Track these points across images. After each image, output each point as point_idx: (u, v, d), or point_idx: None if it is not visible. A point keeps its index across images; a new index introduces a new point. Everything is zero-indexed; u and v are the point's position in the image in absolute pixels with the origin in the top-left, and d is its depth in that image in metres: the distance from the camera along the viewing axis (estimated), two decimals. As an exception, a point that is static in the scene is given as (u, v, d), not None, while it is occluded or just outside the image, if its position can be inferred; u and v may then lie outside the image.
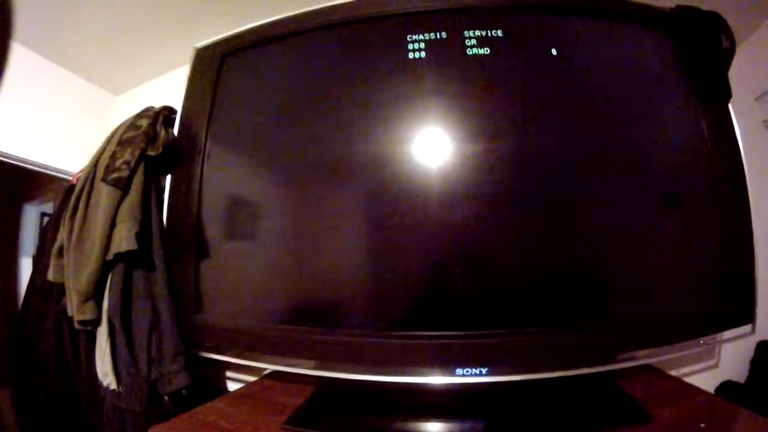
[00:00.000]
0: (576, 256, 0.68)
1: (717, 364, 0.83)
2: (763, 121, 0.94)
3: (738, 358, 0.82)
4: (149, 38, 1.09)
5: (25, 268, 1.49)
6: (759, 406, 0.59)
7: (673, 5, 0.77)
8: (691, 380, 0.73)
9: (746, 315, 0.67)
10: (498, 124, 0.70)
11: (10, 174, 1.21)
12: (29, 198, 1.59)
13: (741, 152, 0.71)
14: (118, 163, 0.74)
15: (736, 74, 0.73)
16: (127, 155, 0.74)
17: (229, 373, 0.91)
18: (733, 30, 0.73)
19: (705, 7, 0.75)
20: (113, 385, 0.69)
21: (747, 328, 0.67)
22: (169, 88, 1.01)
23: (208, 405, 0.68)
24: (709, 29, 0.74)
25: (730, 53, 0.75)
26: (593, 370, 0.63)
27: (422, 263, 0.68)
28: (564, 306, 0.65)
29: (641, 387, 0.67)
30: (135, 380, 0.69)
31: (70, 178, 1.04)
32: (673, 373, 0.77)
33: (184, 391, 0.70)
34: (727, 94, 0.74)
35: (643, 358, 0.66)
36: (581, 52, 0.73)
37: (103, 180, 0.73)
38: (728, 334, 0.68)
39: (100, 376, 0.71)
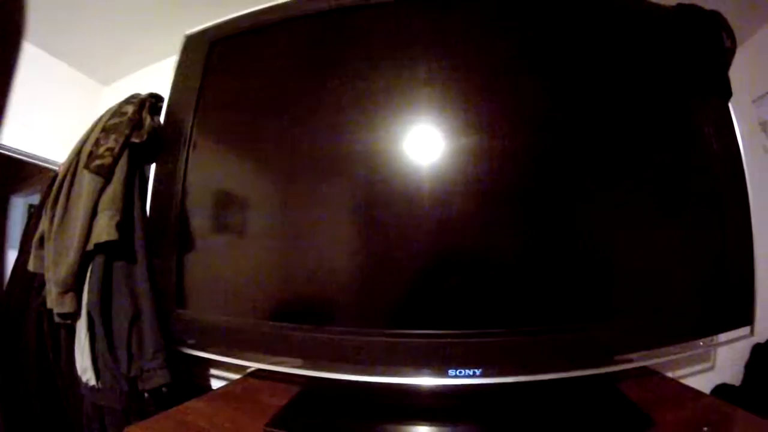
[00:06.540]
0: (574, 255, 0.66)
1: (713, 367, 0.82)
2: (760, 123, 0.94)
3: (733, 360, 0.81)
4: (139, 27, 1.06)
5: (11, 261, 1.45)
6: (754, 409, 0.58)
7: (674, 3, 0.76)
8: (687, 383, 0.72)
9: (745, 317, 0.66)
10: (495, 118, 0.69)
11: (-4, 164, 1.19)
12: (16, 189, 1.55)
13: (741, 152, 0.69)
14: (101, 149, 0.71)
15: (733, 76, 0.72)
16: (111, 142, 0.72)
17: (212, 371, 0.88)
18: (733, 32, 0.72)
19: (706, 7, 0.74)
20: (92, 381, 0.67)
21: (746, 330, 0.66)
22: (158, 79, 0.99)
23: (188, 404, 0.66)
24: (711, 28, 0.74)
25: (731, 52, 0.74)
26: (591, 371, 0.62)
27: (414, 259, 0.65)
28: (561, 306, 0.64)
29: (641, 390, 0.65)
30: (114, 376, 0.66)
31: (57, 168, 1.01)
32: (669, 375, 0.76)
33: (164, 389, 0.68)
34: (727, 93, 0.73)
35: (642, 359, 0.65)
36: (580, 48, 0.72)
37: (86, 167, 0.71)
38: (727, 336, 0.67)
39: (79, 371, 0.69)
